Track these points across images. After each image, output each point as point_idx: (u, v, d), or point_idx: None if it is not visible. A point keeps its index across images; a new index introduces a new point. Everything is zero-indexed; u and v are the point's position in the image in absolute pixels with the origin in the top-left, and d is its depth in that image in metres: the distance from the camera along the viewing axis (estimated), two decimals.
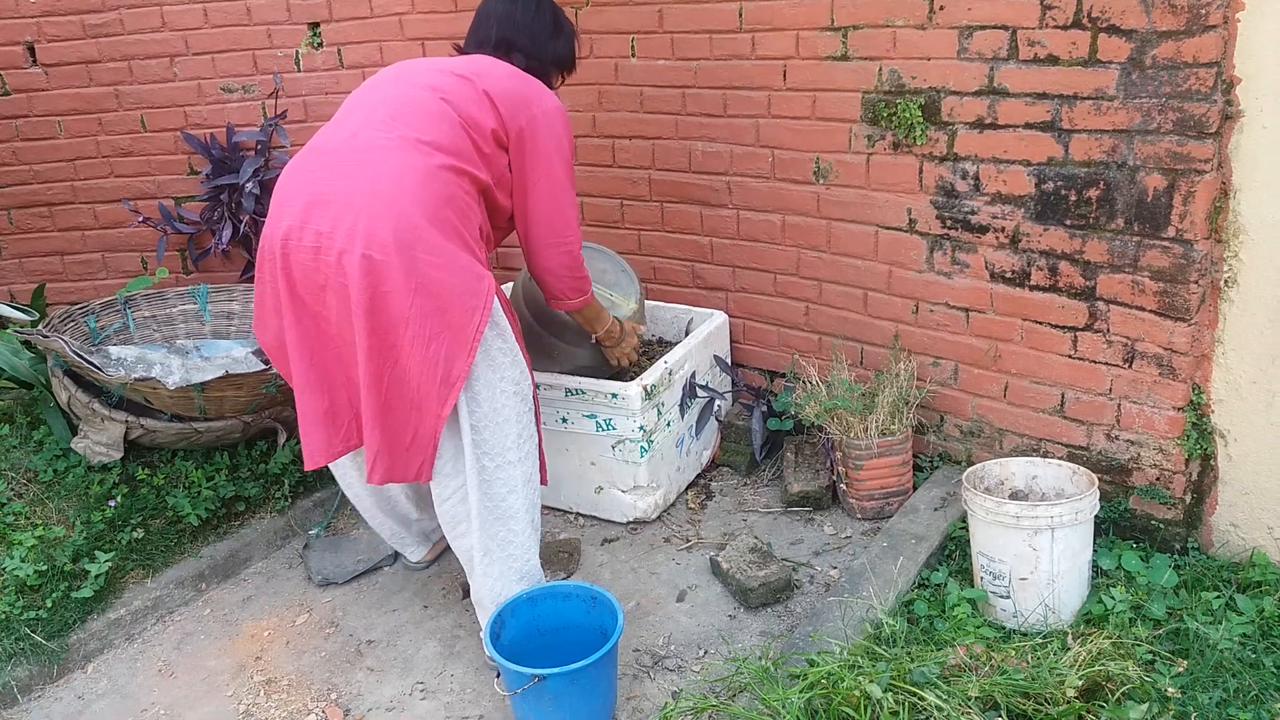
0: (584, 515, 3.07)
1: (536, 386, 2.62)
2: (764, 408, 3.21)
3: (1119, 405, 2.57)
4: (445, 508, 2.38)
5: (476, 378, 2.23)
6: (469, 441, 2.26)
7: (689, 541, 2.92)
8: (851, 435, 2.85)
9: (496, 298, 2.24)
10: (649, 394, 2.84)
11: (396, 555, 2.95)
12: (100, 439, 2.90)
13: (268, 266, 2.25)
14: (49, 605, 2.63)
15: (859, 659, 2.05)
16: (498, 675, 2.25)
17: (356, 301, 2.10)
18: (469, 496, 2.32)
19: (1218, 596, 2.33)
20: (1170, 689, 1.95)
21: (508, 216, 2.45)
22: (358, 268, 2.08)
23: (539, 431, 2.47)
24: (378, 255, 2.08)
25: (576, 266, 2.53)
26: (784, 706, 1.95)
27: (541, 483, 2.48)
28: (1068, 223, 2.54)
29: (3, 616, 2.57)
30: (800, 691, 1.97)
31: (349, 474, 2.62)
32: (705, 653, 2.49)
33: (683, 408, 3.06)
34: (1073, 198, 2.51)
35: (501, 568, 2.37)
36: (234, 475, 3.08)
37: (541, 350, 2.92)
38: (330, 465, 2.51)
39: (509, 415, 2.29)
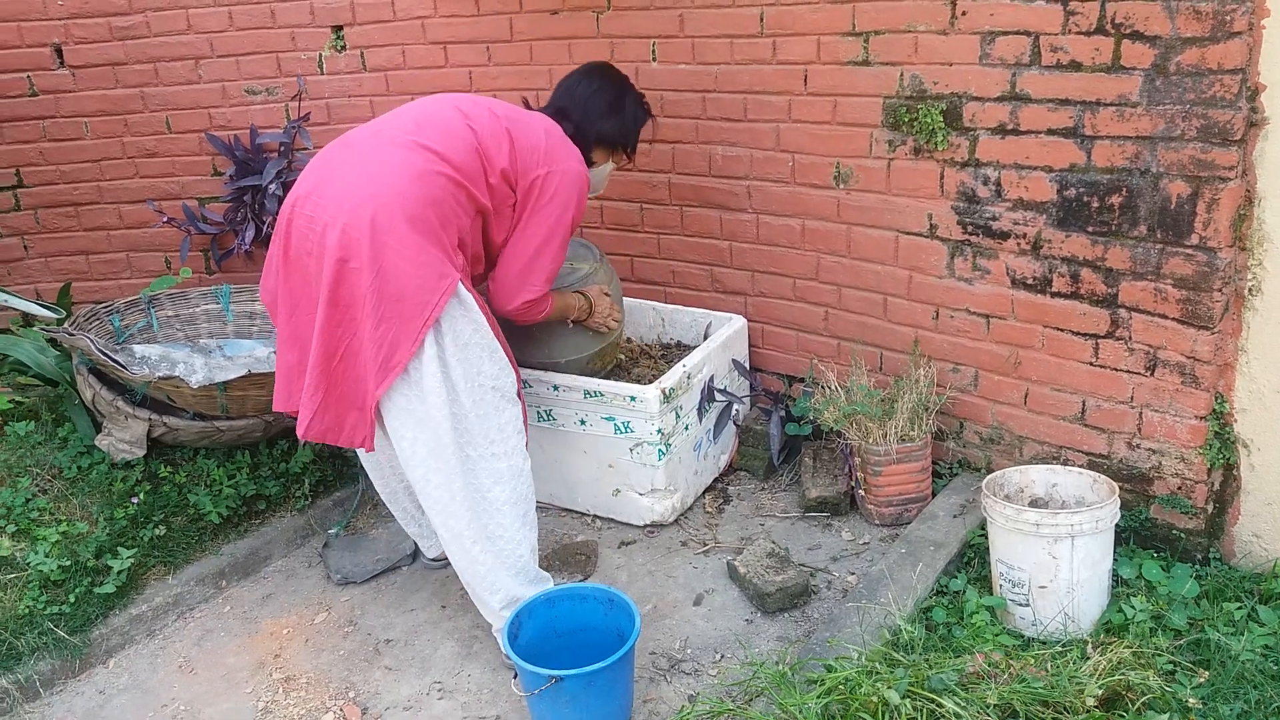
0: (601, 518, 3.08)
1: (524, 384, 2.74)
2: (782, 412, 3.21)
3: (1140, 413, 2.56)
4: (423, 492, 2.40)
5: (452, 370, 2.31)
6: (449, 431, 2.31)
7: (706, 545, 2.93)
8: (870, 441, 2.84)
9: (471, 297, 2.34)
10: (667, 397, 2.85)
11: (415, 555, 2.97)
12: (124, 436, 2.93)
13: (279, 228, 2.42)
14: (72, 600, 2.65)
15: (877, 665, 2.05)
16: (515, 676, 2.25)
17: (326, 270, 2.27)
18: (454, 487, 2.36)
19: (1240, 607, 2.31)
20: (1191, 699, 1.94)
21: (498, 251, 2.56)
22: (335, 241, 2.26)
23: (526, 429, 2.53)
24: (353, 233, 2.24)
25: (531, 311, 2.61)
26: (801, 712, 1.95)
27: None
28: (1090, 229, 2.53)
29: (26, 611, 2.59)
30: (817, 697, 1.97)
31: (378, 452, 2.67)
32: (722, 657, 2.49)
33: (701, 411, 3.06)
34: (1095, 204, 2.50)
35: (493, 559, 2.40)
36: (255, 474, 3.10)
37: (529, 338, 2.90)
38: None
39: (488, 409, 2.37)
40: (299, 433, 2.41)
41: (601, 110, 2.71)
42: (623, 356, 3.27)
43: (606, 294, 2.99)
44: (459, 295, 2.30)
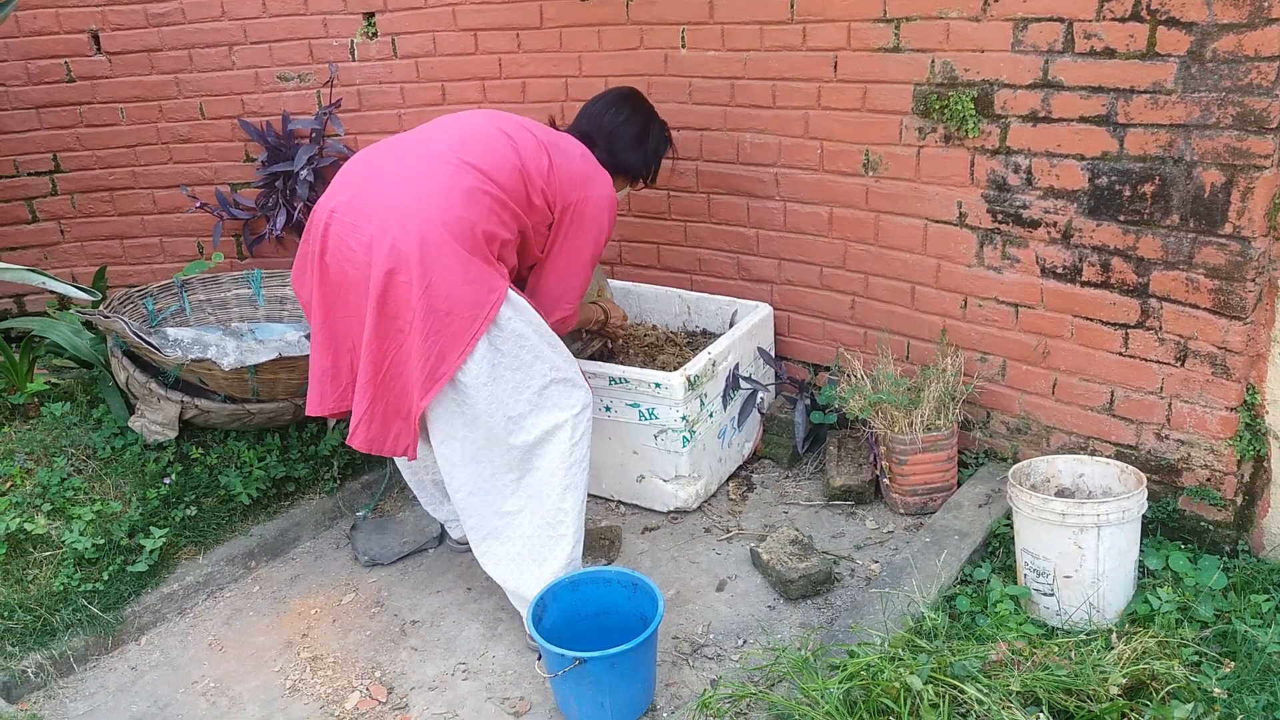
0: (625, 503, 3.09)
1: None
2: (807, 401, 3.21)
3: (1170, 404, 2.54)
4: (460, 498, 2.45)
5: (502, 371, 2.35)
6: (502, 427, 2.36)
7: (729, 532, 2.93)
8: (896, 430, 2.83)
9: (522, 299, 2.39)
10: (692, 384, 2.85)
11: (441, 538, 3.00)
12: (156, 418, 2.98)
13: (312, 231, 2.42)
14: (105, 578, 2.70)
15: (899, 651, 2.05)
16: (539, 657, 2.28)
17: (374, 281, 2.28)
18: (506, 479, 2.40)
19: (1268, 600, 2.29)
20: (1217, 690, 1.93)
21: (530, 265, 2.62)
22: (384, 253, 2.26)
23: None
24: (403, 247, 2.26)
25: (561, 326, 2.66)
26: (823, 696, 1.96)
27: None
28: (1121, 218, 2.50)
29: (61, 588, 2.65)
30: (839, 682, 1.98)
31: None
32: (744, 642, 2.49)
33: (725, 399, 3.06)
34: (1127, 193, 2.47)
35: (538, 565, 2.45)
36: (285, 456, 3.14)
37: None
38: None
39: (551, 401, 2.42)
40: (349, 441, 2.42)
41: (628, 142, 2.75)
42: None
43: (612, 305, 3.12)
44: (509, 299, 2.34)
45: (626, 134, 2.75)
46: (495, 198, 2.37)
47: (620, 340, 3.26)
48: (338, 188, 2.41)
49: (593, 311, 3.03)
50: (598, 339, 3.19)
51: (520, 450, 2.40)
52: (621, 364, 3.05)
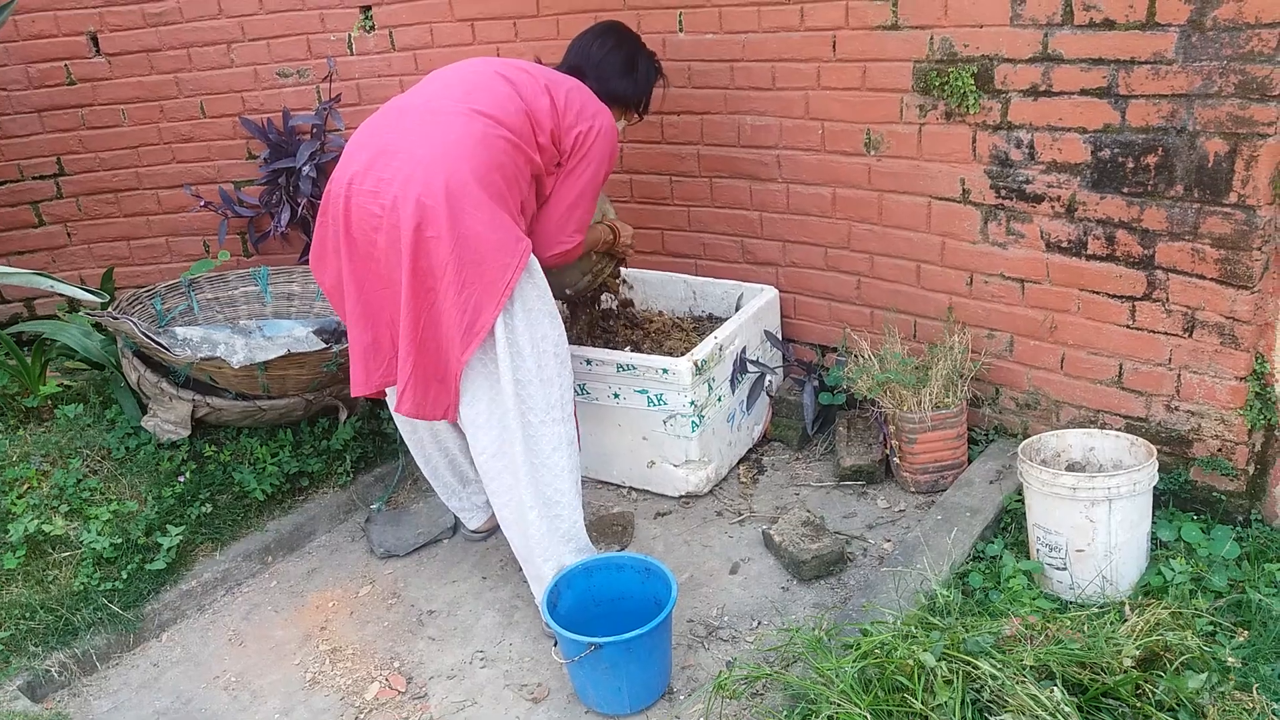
0: (636, 489, 3.11)
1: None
2: (815, 382, 3.21)
3: (1179, 375, 2.53)
4: (484, 461, 2.44)
5: (519, 334, 2.34)
6: (511, 395, 2.34)
7: (741, 515, 2.94)
8: (905, 409, 2.84)
9: (536, 261, 2.38)
10: (700, 369, 2.86)
11: (455, 528, 3.02)
12: (169, 417, 3.00)
13: (331, 209, 2.41)
14: (124, 577, 2.73)
15: (913, 629, 2.06)
16: (555, 644, 2.29)
17: (405, 242, 2.26)
18: (514, 452, 2.39)
19: None
20: (1231, 659, 1.93)
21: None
22: (410, 211, 2.25)
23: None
24: (428, 201, 2.24)
25: (568, 256, 2.64)
26: (838, 675, 1.97)
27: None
28: (1125, 190, 2.50)
29: (81, 588, 2.67)
30: (853, 661, 1.99)
31: (418, 425, 2.73)
32: (758, 624, 2.51)
33: (733, 383, 3.07)
34: (1130, 165, 2.47)
35: (549, 525, 2.43)
36: (297, 451, 3.16)
37: None
38: (396, 416, 2.71)
39: (551, 374, 2.40)
40: (394, 408, 2.43)
41: (617, 70, 2.73)
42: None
43: (619, 224, 3.06)
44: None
45: (615, 62, 2.73)
46: (509, 141, 2.36)
47: (626, 258, 3.18)
48: (351, 158, 2.40)
49: (600, 232, 2.95)
50: (609, 262, 3.11)
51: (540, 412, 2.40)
52: (628, 351, 3.06)
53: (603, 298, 3.28)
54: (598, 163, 2.55)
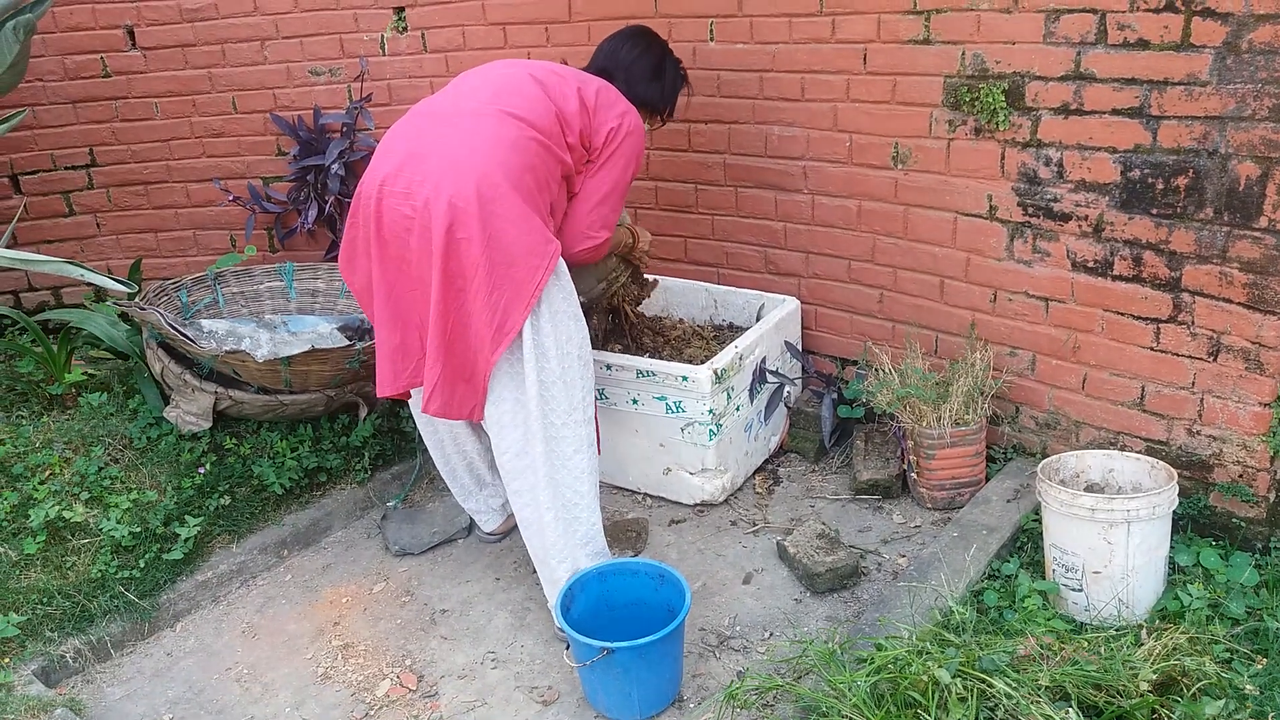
0: (652, 496, 3.11)
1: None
2: (834, 395, 3.20)
3: (1202, 399, 2.52)
4: (506, 460, 2.45)
5: (545, 335, 2.34)
6: (535, 397, 2.35)
7: (756, 525, 2.94)
8: (924, 424, 2.83)
9: (564, 264, 2.39)
10: (719, 378, 2.86)
11: (470, 528, 3.02)
12: (191, 409, 3.02)
13: (362, 211, 2.43)
14: (142, 566, 2.75)
15: (927, 645, 2.04)
16: (567, 647, 2.29)
17: (436, 243, 2.27)
18: (533, 453, 2.39)
19: None
20: (1248, 686, 1.91)
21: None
22: (442, 212, 2.26)
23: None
24: (460, 203, 2.26)
25: (597, 253, 2.65)
26: (850, 689, 1.96)
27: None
28: (1154, 212, 2.48)
29: (99, 575, 2.70)
30: (867, 675, 1.98)
31: (438, 425, 2.74)
32: (771, 635, 2.50)
33: (752, 393, 3.07)
34: (1160, 186, 2.45)
35: (565, 527, 2.43)
36: (317, 447, 3.18)
37: None
38: (415, 416, 2.76)
39: (574, 377, 2.40)
40: (422, 408, 2.45)
41: (645, 74, 2.75)
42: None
43: (638, 229, 3.07)
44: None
45: (643, 66, 2.75)
46: (540, 142, 2.38)
47: (644, 264, 3.18)
48: (382, 160, 2.41)
49: (623, 235, 2.98)
50: (625, 269, 3.11)
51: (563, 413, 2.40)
52: (648, 358, 3.06)
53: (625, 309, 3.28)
54: (626, 159, 2.57)
